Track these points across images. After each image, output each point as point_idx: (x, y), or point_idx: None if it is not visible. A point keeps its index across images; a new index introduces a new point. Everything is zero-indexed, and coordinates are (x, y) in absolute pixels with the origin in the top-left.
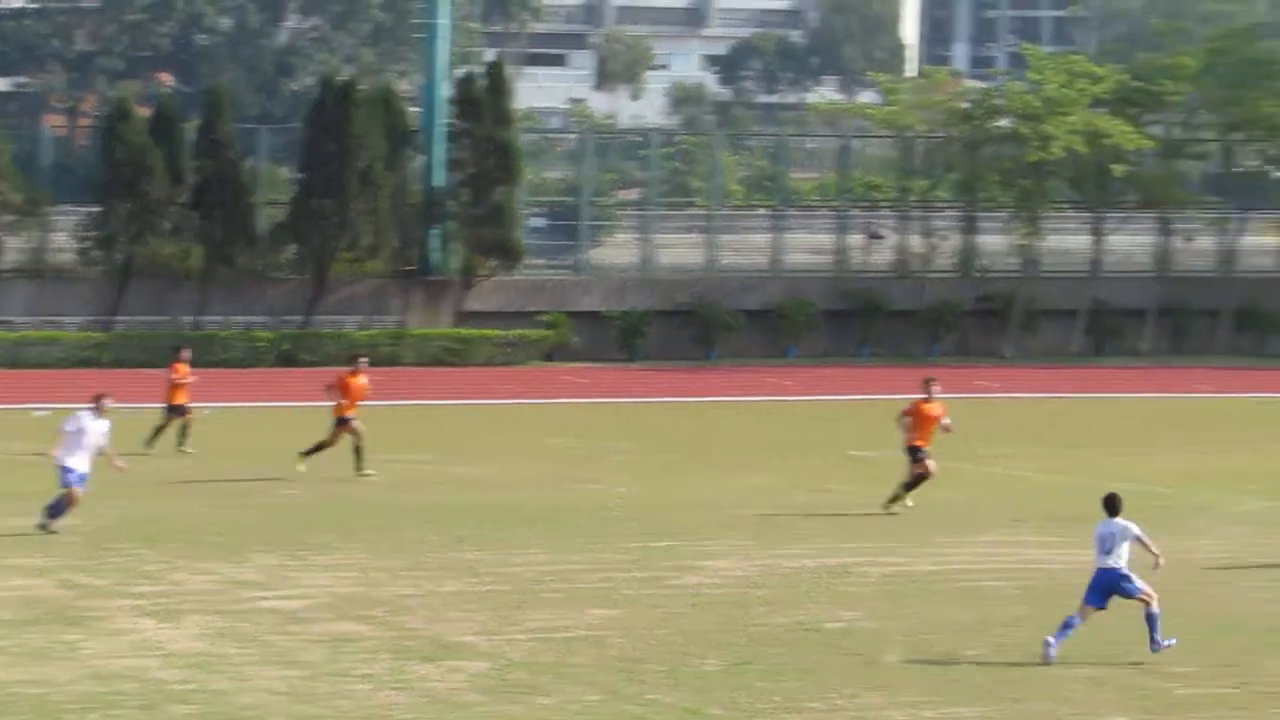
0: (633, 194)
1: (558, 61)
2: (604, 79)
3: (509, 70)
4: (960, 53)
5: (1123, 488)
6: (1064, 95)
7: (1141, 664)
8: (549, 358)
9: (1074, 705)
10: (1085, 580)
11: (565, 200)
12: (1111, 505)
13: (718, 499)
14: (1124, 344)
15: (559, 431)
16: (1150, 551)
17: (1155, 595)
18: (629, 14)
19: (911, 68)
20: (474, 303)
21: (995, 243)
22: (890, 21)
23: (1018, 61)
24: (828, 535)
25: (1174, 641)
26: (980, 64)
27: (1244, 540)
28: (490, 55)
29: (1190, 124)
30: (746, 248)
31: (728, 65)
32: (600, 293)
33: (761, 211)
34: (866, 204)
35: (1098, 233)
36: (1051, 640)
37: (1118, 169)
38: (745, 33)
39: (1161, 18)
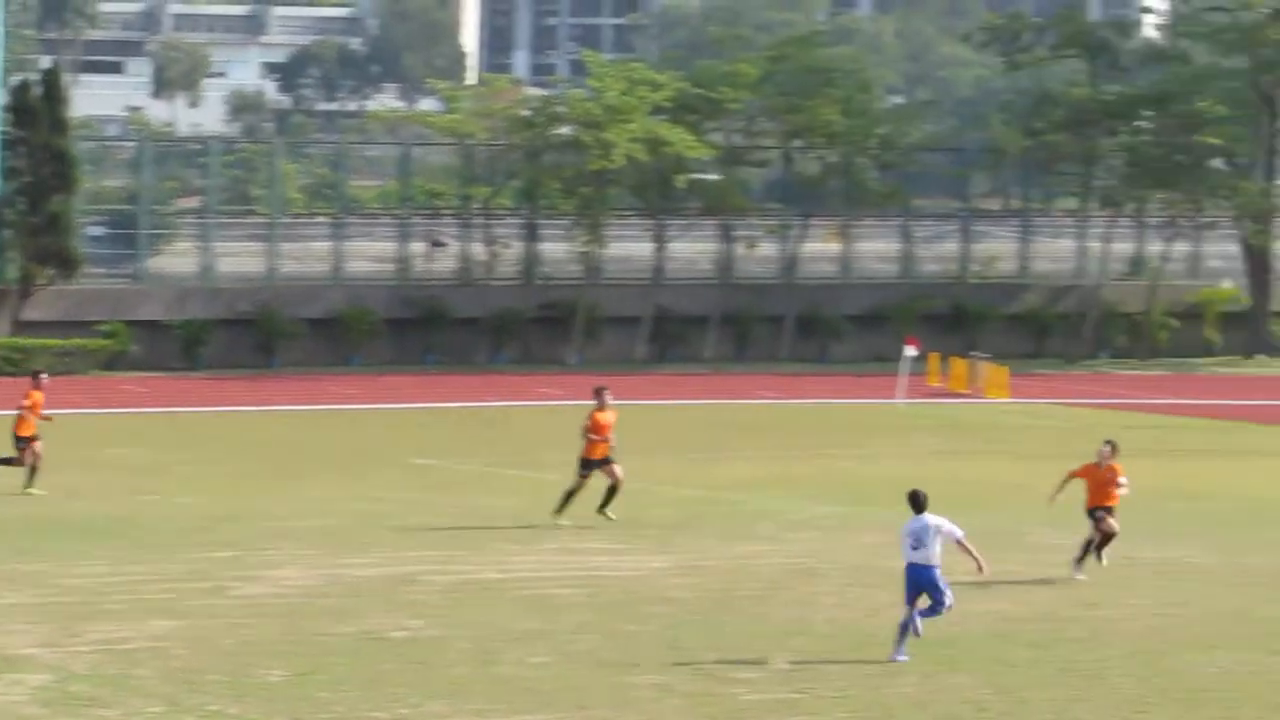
0: (193, 202)
1: (115, 69)
2: (162, 87)
3: (65, 77)
4: (521, 60)
5: (690, 494)
6: (624, 103)
7: (704, 669)
8: (109, 367)
9: (641, 712)
10: (651, 585)
11: (124, 208)
12: (916, 502)
13: (280, 508)
14: (687, 350)
15: (119, 442)
16: (974, 558)
17: (947, 606)
18: (187, 21)
19: (472, 75)
20: (32, 312)
21: (558, 250)
22: (450, 29)
23: (579, 69)
24: (392, 544)
25: (906, 658)
26: (541, 71)
27: (809, 546)
28: (46, 62)
29: (751, 131)
30: (308, 256)
31: (287, 73)
32: (160, 301)
33: (322, 219)
34: (428, 212)
35: (660, 240)
36: (897, 655)
37: (679, 177)
38: (305, 40)
39: (720, 25)
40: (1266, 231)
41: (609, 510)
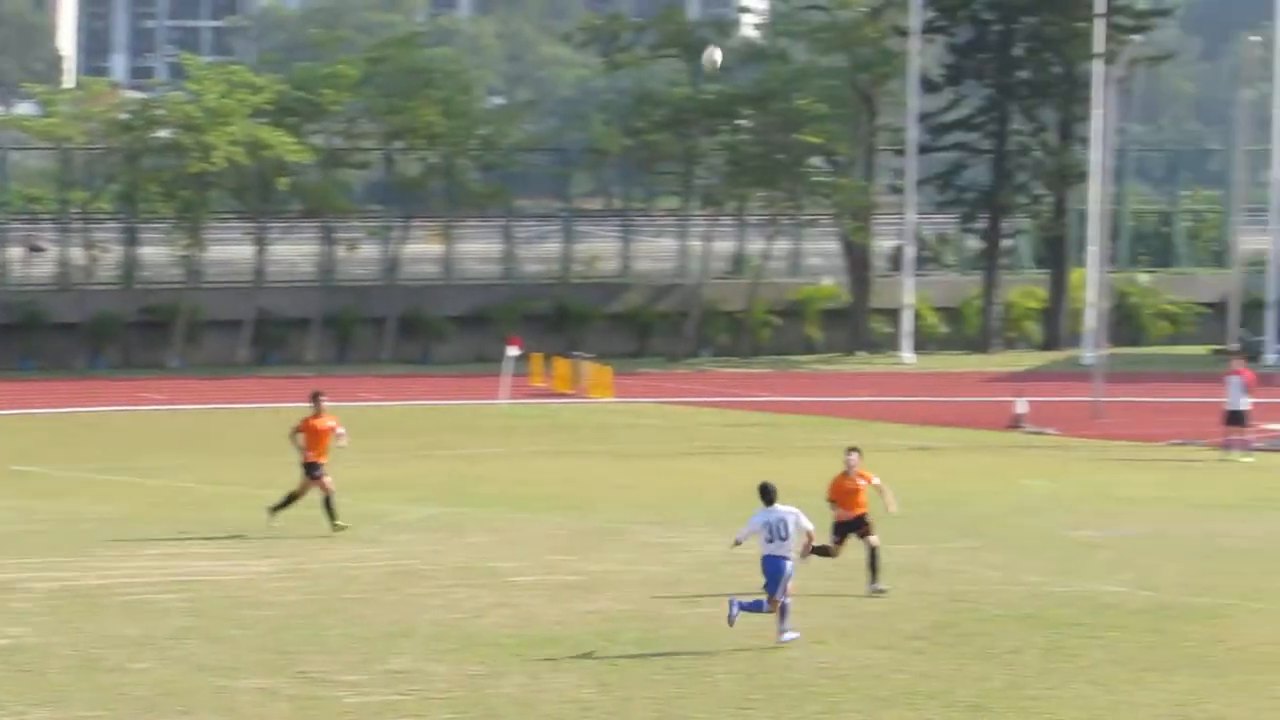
0: None
1: None
2: None
3: None
4: (119, 63)
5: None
6: (224, 106)
7: (309, 673)
8: None
9: (245, 716)
10: (254, 590)
11: None
12: (767, 494)
13: None
14: (289, 353)
15: None
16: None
17: (781, 604)
18: None
19: (70, 78)
20: None
21: (158, 254)
22: (47, 32)
23: (178, 72)
24: None
25: (795, 634)
26: (140, 74)
27: (413, 548)
28: None
29: (351, 133)
30: None
31: None
32: None
33: None
34: (26, 216)
35: (261, 242)
36: (734, 607)
37: (280, 180)
38: None
39: (319, 27)
40: (866, 229)
41: (338, 521)
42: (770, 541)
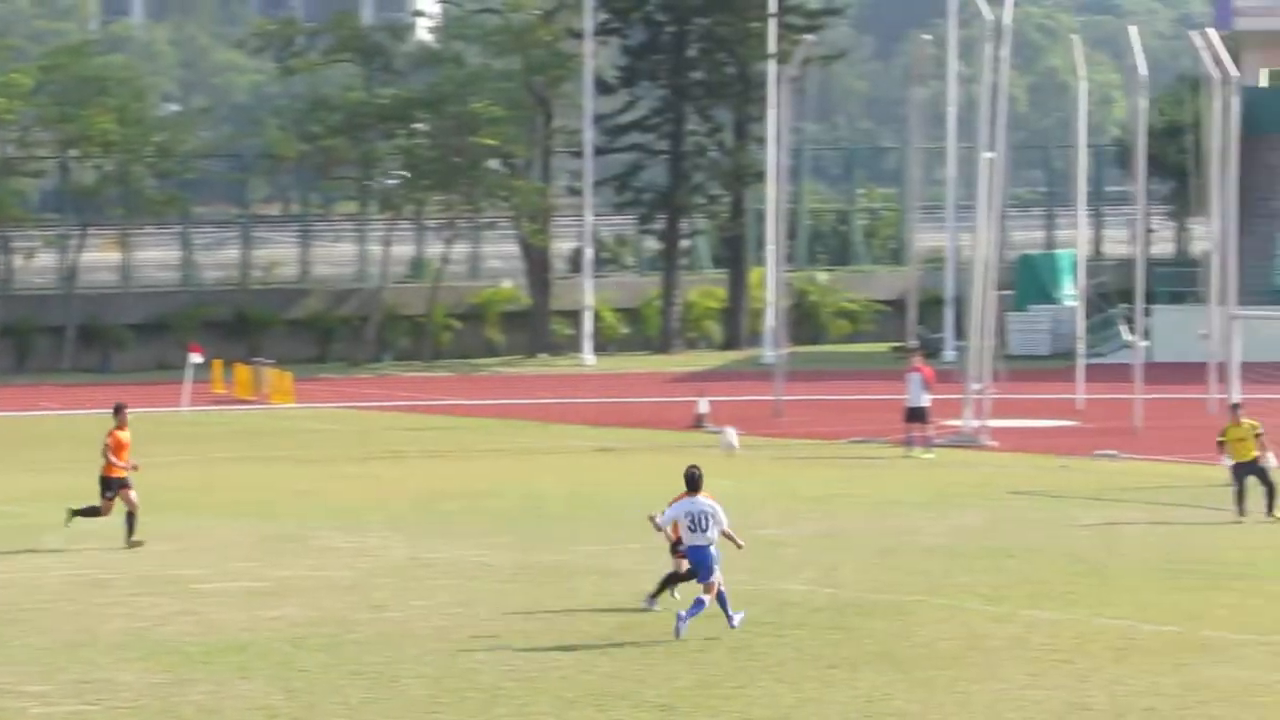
0: None
1: None
2: None
3: None
4: None
5: None
6: None
7: None
8: None
9: None
10: None
11: None
12: (693, 482)
13: None
14: None
15: None
16: (734, 541)
17: (716, 588)
18: None
19: None
20: None
21: None
22: None
23: None
24: None
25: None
26: None
27: (97, 557)
28: None
29: (25, 141)
30: None
31: None
32: None
33: None
34: None
35: None
36: (681, 622)
37: None
38: None
39: None
40: (544, 231)
41: (135, 536)
42: (692, 531)
